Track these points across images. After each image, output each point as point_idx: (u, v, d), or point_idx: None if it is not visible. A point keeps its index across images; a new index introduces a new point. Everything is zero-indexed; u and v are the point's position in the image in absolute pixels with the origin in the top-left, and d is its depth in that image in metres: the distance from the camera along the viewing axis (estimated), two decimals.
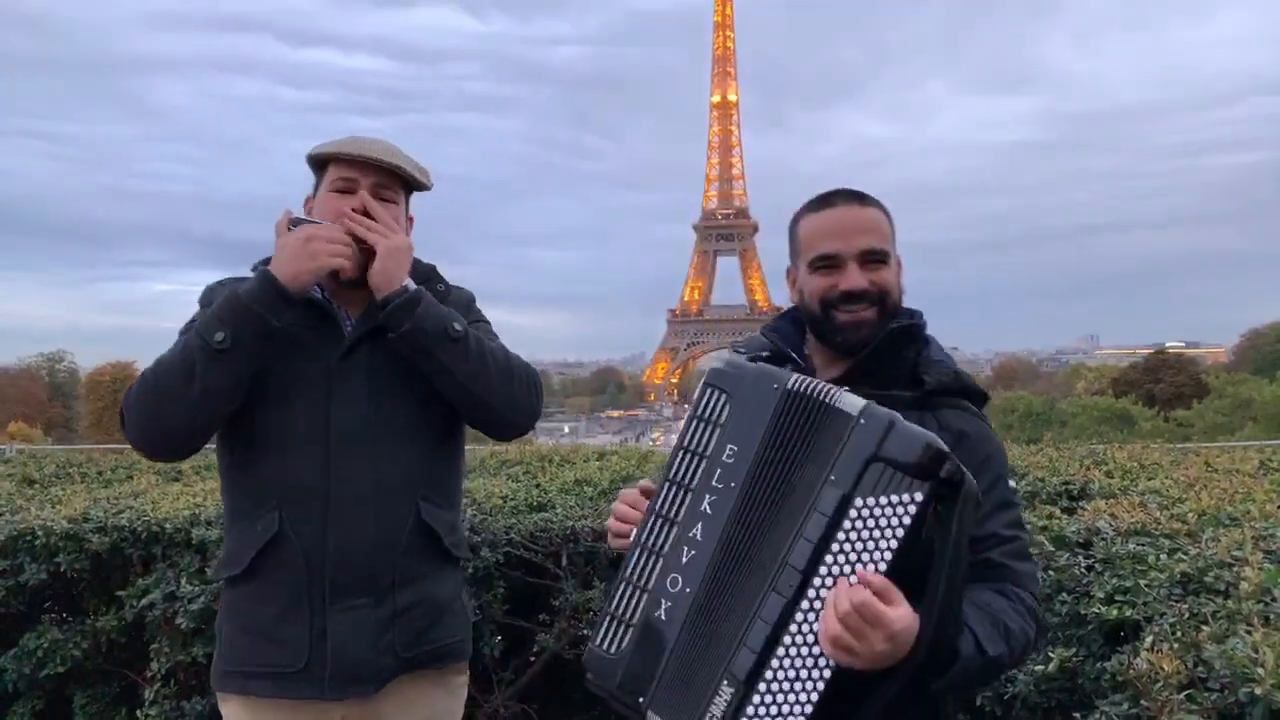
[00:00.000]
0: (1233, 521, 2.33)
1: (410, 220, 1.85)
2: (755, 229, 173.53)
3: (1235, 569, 1.92)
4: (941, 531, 1.19)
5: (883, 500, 1.16)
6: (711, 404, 1.30)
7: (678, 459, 1.30)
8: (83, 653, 3.05)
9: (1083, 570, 2.21)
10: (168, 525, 3.05)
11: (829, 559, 1.17)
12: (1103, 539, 2.34)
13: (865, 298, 1.46)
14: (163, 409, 1.56)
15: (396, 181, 1.78)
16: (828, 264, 1.48)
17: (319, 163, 1.78)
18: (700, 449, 1.29)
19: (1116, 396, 37.36)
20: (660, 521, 1.30)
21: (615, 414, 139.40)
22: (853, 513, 1.17)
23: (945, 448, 1.18)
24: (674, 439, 1.36)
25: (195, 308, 1.74)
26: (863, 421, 1.20)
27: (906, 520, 1.15)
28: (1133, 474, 3.46)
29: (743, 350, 1.56)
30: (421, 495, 1.72)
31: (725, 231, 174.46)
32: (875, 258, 1.47)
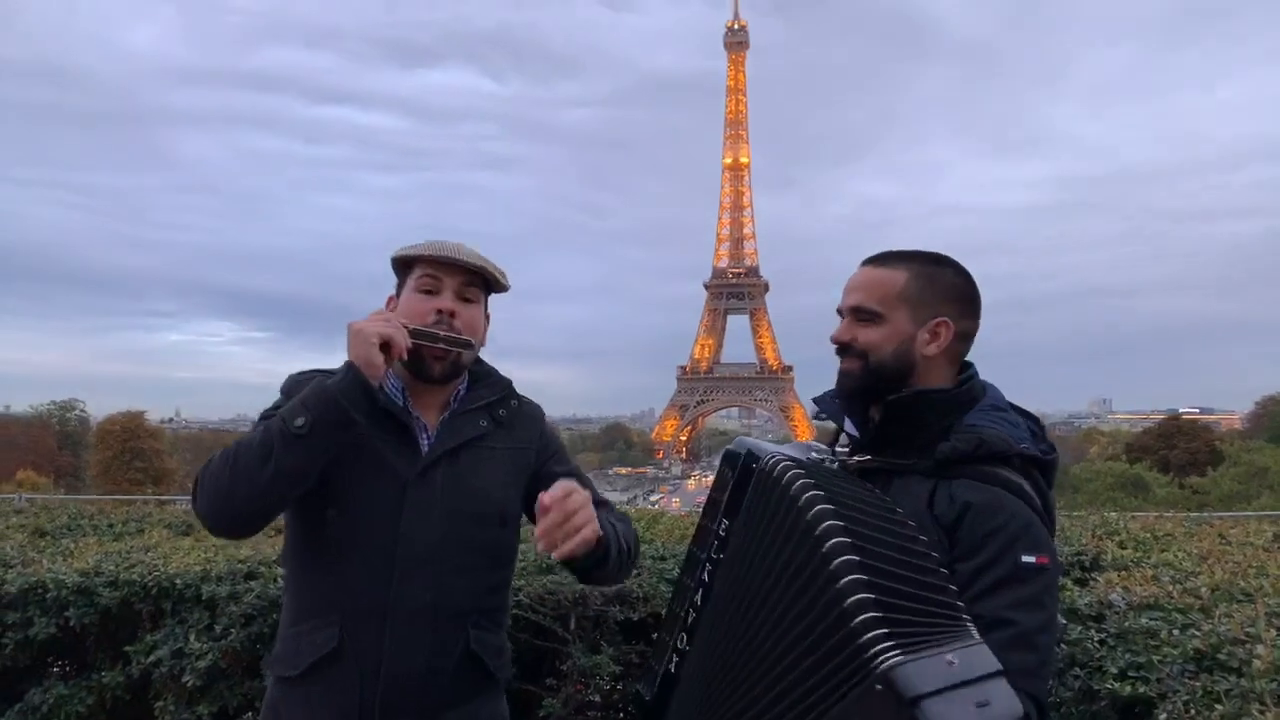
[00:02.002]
0: (1246, 597, 2.31)
1: (487, 319, 1.87)
2: (766, 288, 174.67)
3: (1248, 646, 1.91)
4: None
5: None
6: (720, 481, 1.43)
7: (696, 533, 1.46)
8: (87, 709, 3.03)
9: (1095, 644, 2.19)
10: (179, 581, 3.05)
11: None
12: (1115, 612, 2.33)
13: (849, 350, 1.52)
14: (236, 485, 1.57)
15: (479, 282, 1.81)
16: (839, 315, 1.58)
17: (404, 263, 1.81)
18: (709, 522, 1.42)
19: (1130, 462, 37.02)
20: (680, 585, 1.45)
21: (623, 471, 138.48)
22: None
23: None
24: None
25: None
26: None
27: None
28: (1146, 545, 3.44)
29: (824, 415, 1.63)
30: (473, 622, 1.73)
31: (736, 290, 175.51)
32: (861, 315, 1.52)
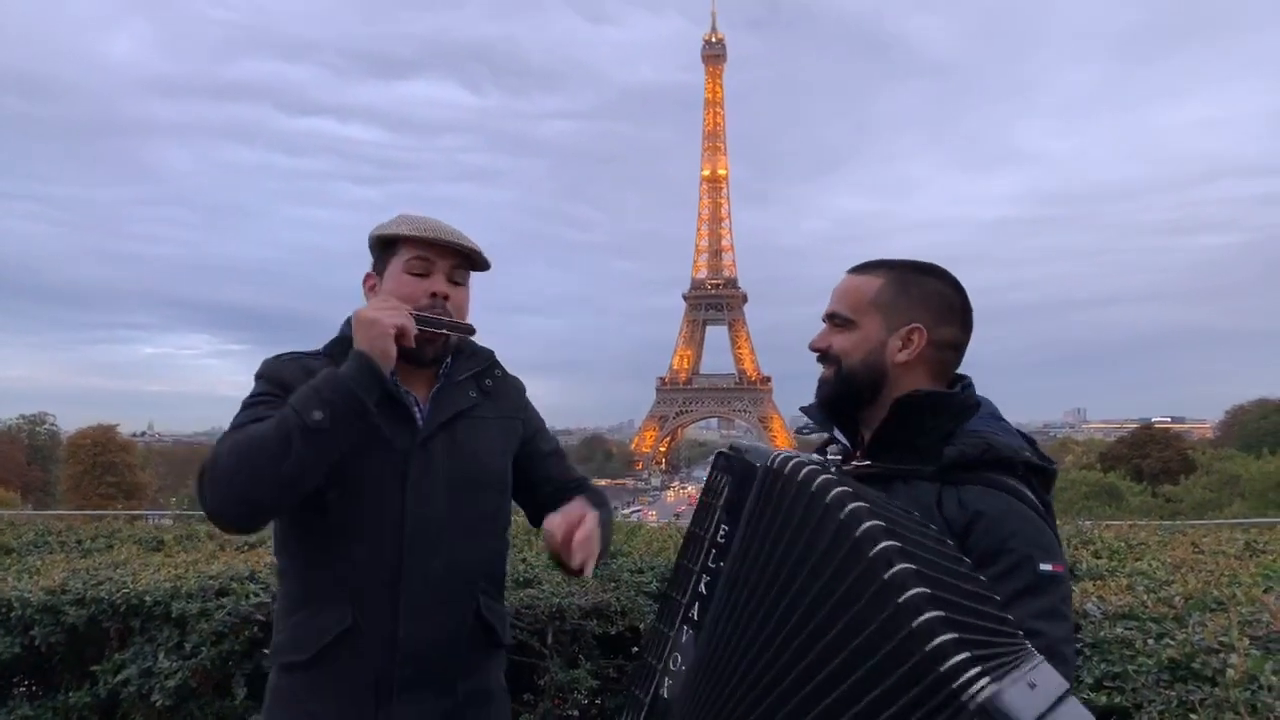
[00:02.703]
0: (1219, 605, 2.33)
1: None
2: (744, 299, 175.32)
3: (1222, 655, 1.92)
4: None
5: None
6: (714, 485, 1.31)
7: (685, 543, 1.31)
8: None
9: (1072, 654, 2.20)
10: (148, 598, 2.99)
11: None
12: (1091, 622, 2.34)
13: (825, 358, 1.53)
14: (255, 483, 1.52)
15: (467, 264, 1.81)
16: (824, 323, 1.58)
17: (387, 242, 1.78)
18: (701, 530, 1.29)
19: (1105, 471, 37.38)
20: (668, 602, 1.31)
21: (603, 482, 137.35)
22: None
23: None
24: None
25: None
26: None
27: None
28: (1120, 554, 3.46)
29: (809, 429, 1.61)
30: (481, 589, 1.75)
31: (714, 301, 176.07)
32: (836, 321, 1.53)
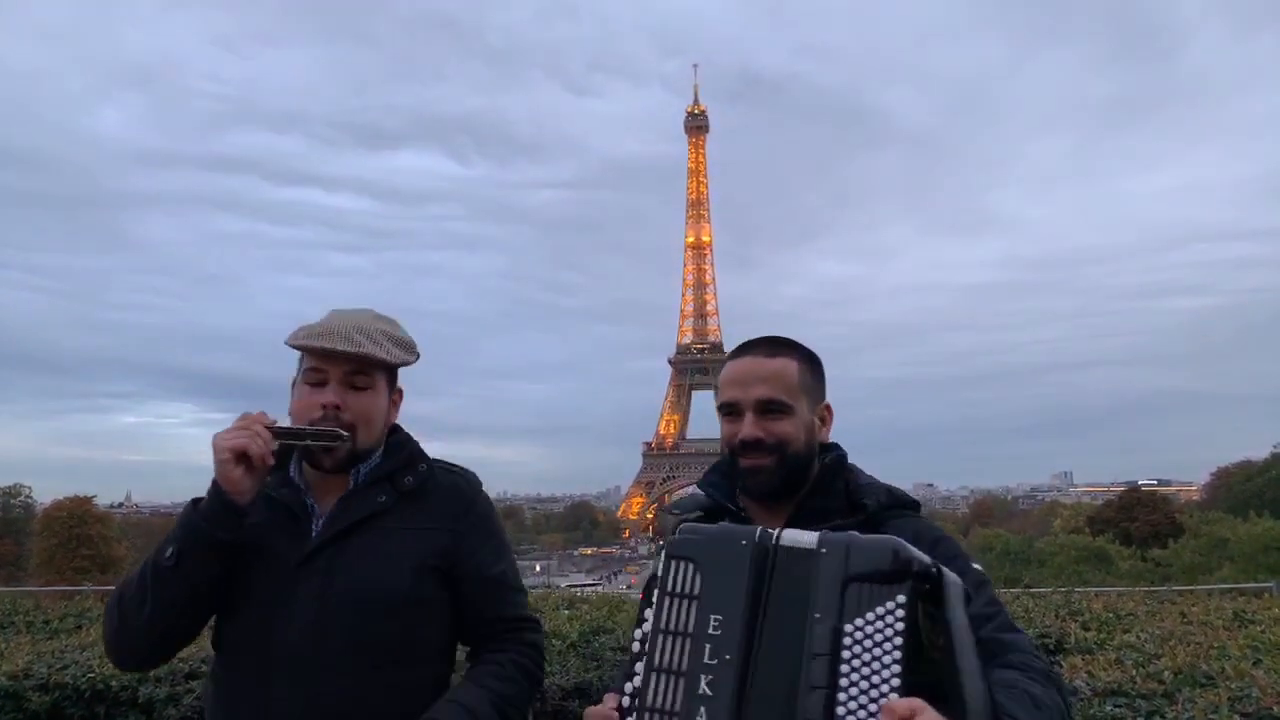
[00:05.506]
0: (1208, 680, 2.30)
1: (399, 394, 1.76)
2: None
3: None
4: (943, 627, 1.12)
5: (869, 616, 1.11)
6: (680, 577, 1.23)
7: (660, 643, 1.21)
8: None
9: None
10: (114, 682, 2.91)
11: (842, 696, 1.09)
12: (1081, 699, 2.30)
13: (762, 447, 1.51)
14: (125, 622, 1.53)
15: (371, 365, 1.66)
16: (730, 411, 1.55)
17: (299, 353, 1.70)
18: (681, 628, 1.21)
19: (1093, 535, 37.23)
20: (657, 717, 1.19)
21: (588, 551, 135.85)
22: (847, 640, 1.11)
23: (910, 547, 1.15)
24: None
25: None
26: (824, 551, 1.18)
27: (899, 625, 1.10)
28: (1109, 626, 3.43)
29: (678, 511, 1.61)
30: None
31: (700, 366, 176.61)
32: (772, 408, 1.52)
